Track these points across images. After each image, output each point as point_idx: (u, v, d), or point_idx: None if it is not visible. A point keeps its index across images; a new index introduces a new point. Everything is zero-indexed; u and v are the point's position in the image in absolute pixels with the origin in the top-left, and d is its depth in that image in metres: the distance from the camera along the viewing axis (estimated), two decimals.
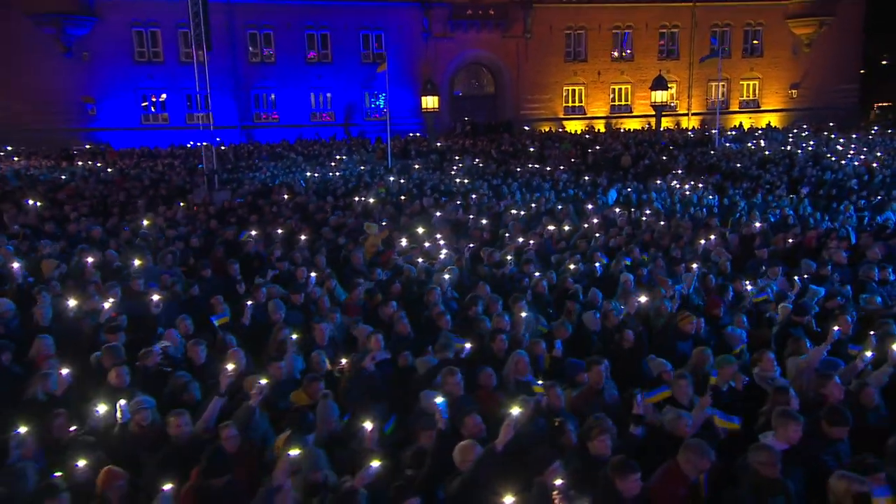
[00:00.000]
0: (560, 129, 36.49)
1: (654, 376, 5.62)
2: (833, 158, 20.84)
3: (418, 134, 34.28)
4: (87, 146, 30.92)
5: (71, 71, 31.79)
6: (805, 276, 8.18)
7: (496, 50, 37.30)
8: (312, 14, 34.99)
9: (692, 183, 16.74)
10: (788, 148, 24.84)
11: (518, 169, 21.46)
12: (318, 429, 4.91)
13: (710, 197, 15.01)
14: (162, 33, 33.20)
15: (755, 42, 39.94)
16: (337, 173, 21.34)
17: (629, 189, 16.58)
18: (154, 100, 34.49)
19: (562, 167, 21.65)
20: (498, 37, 36.79)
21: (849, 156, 21.68)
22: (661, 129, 32.09)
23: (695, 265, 8.50)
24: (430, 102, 31.06)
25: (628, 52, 38.94)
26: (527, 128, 36.26)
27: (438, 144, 28.60)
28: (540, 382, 5.55)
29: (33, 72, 30.91)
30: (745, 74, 39.90)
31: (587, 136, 32.01)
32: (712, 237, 10.45)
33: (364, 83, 35.69)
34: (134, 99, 33.62)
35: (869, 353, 5.62)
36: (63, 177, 20.82)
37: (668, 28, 38.75)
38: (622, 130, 35.24)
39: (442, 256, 9.87)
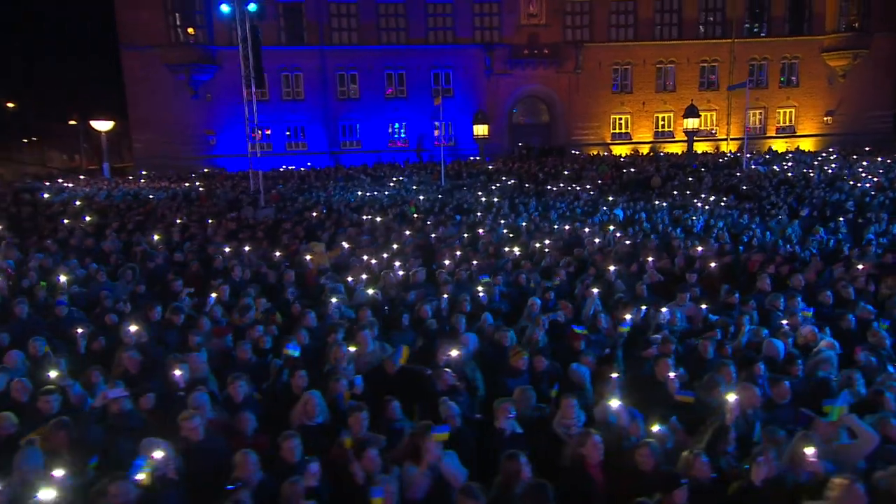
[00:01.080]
0: (607, 153, 39.90)
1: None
2: (851, 181, 20.63)
3: (477, 157, 38.63)
4: (206, 170, 36.96)
5: (196, 109, 38.00)
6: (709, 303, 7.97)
7: (550, 84, 41.05)
8: (391, 57, 39.91)
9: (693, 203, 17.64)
10: (811, 171, 24.95)
11: (553, 188, 22.91)
12: (12, 480, 4.33)
13: (695, 218, 15.09)
14: (268, 77, 39.03)
15: (792, 77, 42.09)
16: (386, 192, 23.25)
17: (637, 207, 17.30)
18: (261, 130, 40.42)
19: (588, 186, 22.93)
20: (552, 72, 40.52)
21: (863, 177, 21.86)
22: (696, 152, 35.17)
23: (595, 290, 8.10)
24: (480, 130, 35.40)
25: (671, 83, 41.95)
26: (576, 152, 39.49)
27: (490, 167, 31.74)
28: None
29: (167, 110, 37.30)
30: (782, 103, 42.06)
31: (623, 159, 34.60)
32: (650, 259, 10.15)
33: (433, 114, 40.03)
34: (243, 130, 39.54)
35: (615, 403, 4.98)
36: (150, 196, 22.94)
37: (707, 62, 41.47)
38: (662, 154, 38.32)
39: (363, 277, 9.45)
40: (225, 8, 20.89)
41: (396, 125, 41.35)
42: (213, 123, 38.45)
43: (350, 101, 40.56)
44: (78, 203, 20.09)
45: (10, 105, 53.56)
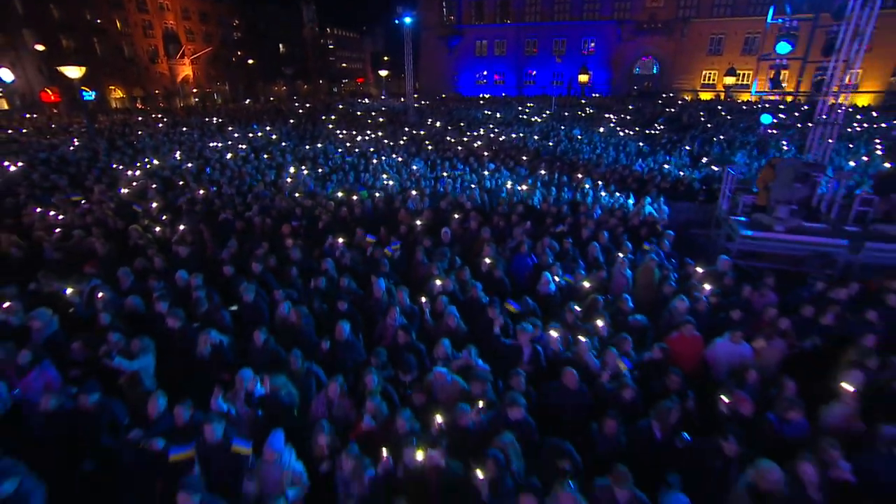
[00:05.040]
0: (694, 98, 44.26)
1: None
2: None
3: (599, 94, 46.95)
4: (444, 95, 52.93)
5: (450, 61, 53.61)
6: None
7: (661, 47, 45.90)
8: (558, 30, 49.06)
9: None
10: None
11: (595, 115, 28.17)
12: None
13: (588, 140, 19.48)
14: (487, 42, 52.31)
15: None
16: (498, 114, 29.95)
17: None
18: (482, 74, 54.63)
19: (614, 117, 26.93)
20: (664, 39, 45.40)
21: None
22: (728, 100, 37.88)
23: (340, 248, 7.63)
24: (583, 78, 42.17)
25: (755, 49, 42.80)
26: (670, 94, 44.94)
27: (582, 101, 39.31)
28: None
29: (435, 62, 53.72)
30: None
31: (681, 102, 37.76)
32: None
33: (579, 67, 49.20)
34: (473, 73, 54.20)
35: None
36: (383, 108, 34.93)
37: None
38: (727, 99, 41.39)
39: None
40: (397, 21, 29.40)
41: (557, 72, 50.99)
42: (457, 68, 53.82)
43: (531, 57, 51.47)
44: (341, 107, 34.59)
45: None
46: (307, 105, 38.62)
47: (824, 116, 10.35)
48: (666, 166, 15.28)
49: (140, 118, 29.59)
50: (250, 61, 60.67)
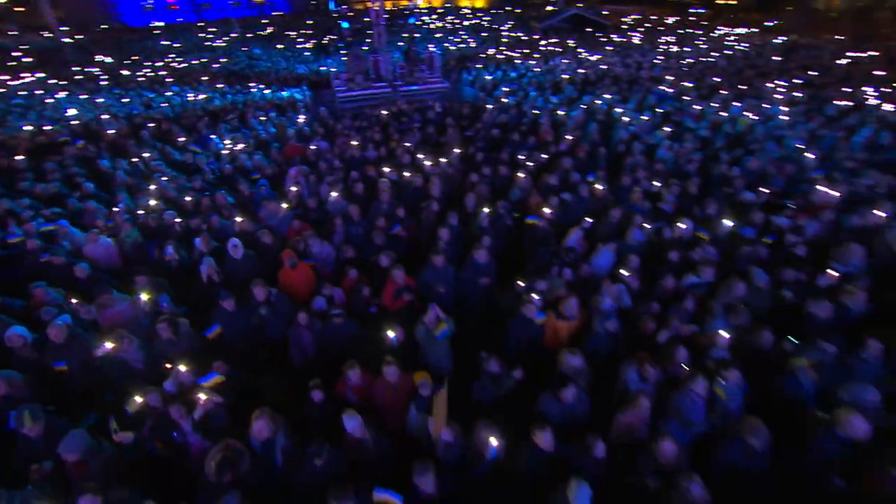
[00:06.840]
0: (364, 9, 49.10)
1: None
2: None
3: (281, 12, 47.51)
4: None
5: None
6: None
7: None
8: None
9: None
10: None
11: None
12: None
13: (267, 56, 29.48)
14: None
15: None
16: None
17: None
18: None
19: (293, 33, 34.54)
20: None
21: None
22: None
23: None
24: None
25: None
26: (346, 7, 48.87)
27: (264, 21, 40.54)
28: None
29: None
30: None
31: (350, 13, 43.58)
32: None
33: None
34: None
35: None
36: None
37: None
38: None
39: None
40: None
41: None
42: None
43: None
44: None
45: None
46: None
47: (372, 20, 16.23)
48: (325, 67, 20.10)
49: None
50: None
